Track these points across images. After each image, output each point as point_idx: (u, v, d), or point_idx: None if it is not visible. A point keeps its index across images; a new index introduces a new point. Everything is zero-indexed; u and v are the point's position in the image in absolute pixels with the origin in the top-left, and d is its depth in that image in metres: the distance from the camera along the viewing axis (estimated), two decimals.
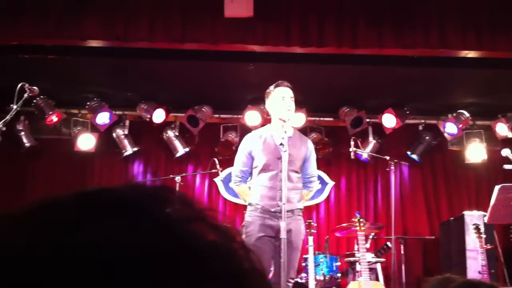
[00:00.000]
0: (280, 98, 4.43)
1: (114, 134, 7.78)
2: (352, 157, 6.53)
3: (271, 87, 4.53)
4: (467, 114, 7.57)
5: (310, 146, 4.67)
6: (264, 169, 4.37)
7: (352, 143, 6.35)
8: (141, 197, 0.52)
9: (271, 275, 4.37)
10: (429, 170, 8.09)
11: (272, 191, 4.28)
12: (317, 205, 7.90)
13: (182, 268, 0.47)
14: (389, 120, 7.46)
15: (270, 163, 4.35)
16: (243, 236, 4.23)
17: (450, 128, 7.54)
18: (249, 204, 4.41)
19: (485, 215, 5.70)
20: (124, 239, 0.47)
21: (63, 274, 0.44)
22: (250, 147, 4.51)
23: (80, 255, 0.45)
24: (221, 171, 6.47)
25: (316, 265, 6.02)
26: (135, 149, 7.82)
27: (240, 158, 4.58)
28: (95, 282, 0.44)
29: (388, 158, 6.28)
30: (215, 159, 6.37)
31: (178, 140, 7.77)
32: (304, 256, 6.00)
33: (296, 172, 4.44)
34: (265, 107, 4.82)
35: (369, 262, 5.79)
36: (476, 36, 5.65)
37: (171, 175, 6.75)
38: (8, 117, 4.45)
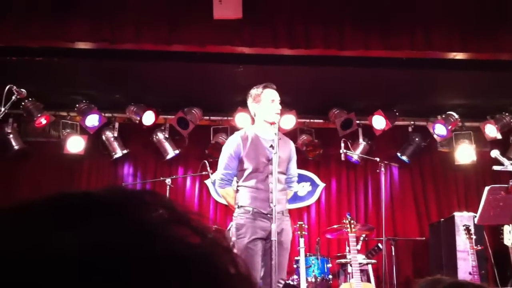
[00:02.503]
0: (270, 101, 4.40)
1: (103, 137, 7.74)
2: (343, 158, 6.53)
3: (259, 89, 4.44)
4: (456, 116, 7.61)
5: (293, 147, 4.67)
6: (254, 171, 4.32)
7: (342, 144, 6.36)
8: (123, 200, 0.52)
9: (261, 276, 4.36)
10: (419, 171, 8.12)
11: (263, 193, 4.25)
12: (308, 207, 7.91)
13: (163, 272, 0.46)
14: (378, 122, 7.48)
15: (260, 166, 4.31)
16: (234, 238, 4.21)
17: (439, 130, 7.58)
18: (239, 207, 4.36)
19: (475, 216, 5.72)
20: (103, 242, 0.46)
21: (37, 277, 0.43)
22: (238, 149, 4.40)
23: (55, 258, 0.44)
24: (212, 173, 6.44)
25: (308, 267, 6.02)
26: (125, 151, 7.78)
27: (225, 160, 4.45)
28: (72, 284, 0.43)
29: (378, 159, 6.29)
30: (206, 162, 6.35)
31: (168, 143, 7.75)
32: (296, 258, 6.00)
33: (284, 173, 4.44)
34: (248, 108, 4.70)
35: (360, 263, 5.79)
36: (462, 38, 5.68)
37: (161, 178, 6.72)
38: None
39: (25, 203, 0.50)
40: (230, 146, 4.46)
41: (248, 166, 4.33)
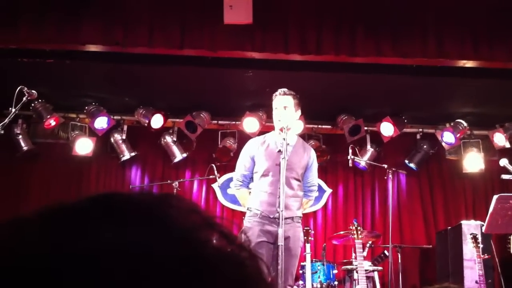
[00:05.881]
0: (274, 109, 4.51)
1: (111, 139, 7.77)
2: (350, 165, 6.53)
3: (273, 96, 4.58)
4: (464, 124, 7.59)
5: (313, 155, 4.68)
6: (265, 174, 4.38)
7: (350, 151, 6.36)
8: (153, 203, 0.53)
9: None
10: (427, 179, 8.10)
11: (271, 197, 4.28)
12: (315, 212, 7.89)
13: (193, 274, 0.48)
14: (387, 129, 7.46)
15: (270, 169, 4.35)
16: None
17: (447, 137, 7.55)
18: (248, 209, 4.41)
19: (482, 225, 5.70)
20: (137, 244, 0.48)
21: (75, 278, 0.44)
22: (252, 152, 4.53)
23: (92, 259, 0.46)
24: (219, 177, 6.47)
25: (314, 272, 6.01)
26: (133, 154, 7.81)
27: (242, 162, 4.60)
28: (107, 284, 0.45)
29: (385, 166, 6.28)
30: (213, 165, 6.37)
31: (176, 146, 7.76)
32: (302, 263, 5.99)
33: (297, 179, 4.45)
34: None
35: (366, 270, 5.78)
36: (474, 46, 5.67)
37: (168, 181, 6.74)
38: (6, 120, 4.45)
39: (55, 206, 0.52)
40: (247, 149, 4.61)
41: (259, 169, 4.42)
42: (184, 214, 0.53)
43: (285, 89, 4.54)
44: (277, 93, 4.53)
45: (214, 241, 0.52)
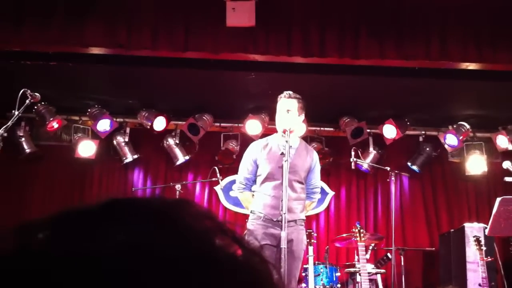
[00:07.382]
0: (278, 111, 4.49)
1: (114, 141, 7.78)
2: (353, 167, 6.52)
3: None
4: (467, 126, 7.58)
5: (315, 157, 4.67)
6: (268, 177, 4.37)
7: (352, 153, 6.34)
8: (167, 208, 0.53)
9: None
10: (429, 181, 8.09)
11: (275, 200, 4.26)
12: (317, 215, 7.89)
13: (206, 278, 0.48)
14: (389, 131, 7.46)
15: (274, 172, 4.34)
16: None
17: (450, 140, 7.55)
18: (252, 212, 4.40)
19: (485, 227, 5.69)
20: (150, 247, 0.48)
21: (86, 280, 0.45)
22: (255, 155, 4.51)
23: (106, 261, 0.46)
24: (221, 180, 6.47)
25: (316, 275, 6.00)
26: (135, 156, 7.81)
27: (244, 165, 4.57)
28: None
29: (388, 169, 6.28)
30: (216, 168, 6.37)
31: (179, 148, 7.77)
32: (304, 266, 5.99)
33: (300, 182, 4.44)
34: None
35: (369, 273, 5.77)
36: (477, 48, 5.67)
37: (171, 183, 6.74)
38: (9, 123, 4.46)
39: (69, 209, 0.52)
40: (249, 152, 4.58)
41: (262, 172, 4.41)
42: (197, 219, 0.53)
43: (291, 92, 4.51)
44: (282, 95, 4.51)
45: (227, 245, 0.53)
